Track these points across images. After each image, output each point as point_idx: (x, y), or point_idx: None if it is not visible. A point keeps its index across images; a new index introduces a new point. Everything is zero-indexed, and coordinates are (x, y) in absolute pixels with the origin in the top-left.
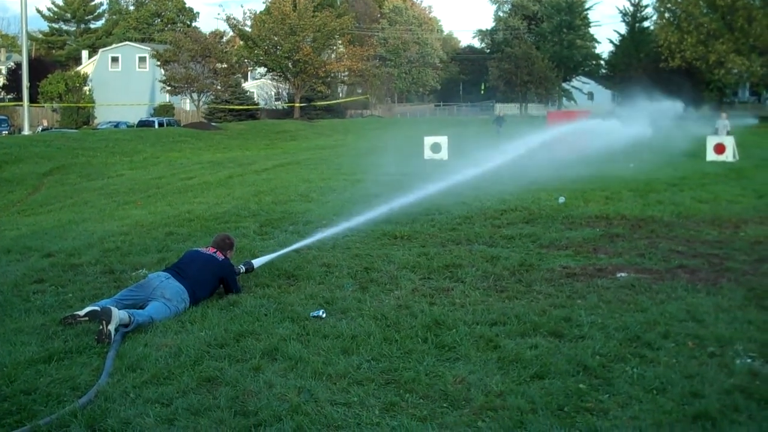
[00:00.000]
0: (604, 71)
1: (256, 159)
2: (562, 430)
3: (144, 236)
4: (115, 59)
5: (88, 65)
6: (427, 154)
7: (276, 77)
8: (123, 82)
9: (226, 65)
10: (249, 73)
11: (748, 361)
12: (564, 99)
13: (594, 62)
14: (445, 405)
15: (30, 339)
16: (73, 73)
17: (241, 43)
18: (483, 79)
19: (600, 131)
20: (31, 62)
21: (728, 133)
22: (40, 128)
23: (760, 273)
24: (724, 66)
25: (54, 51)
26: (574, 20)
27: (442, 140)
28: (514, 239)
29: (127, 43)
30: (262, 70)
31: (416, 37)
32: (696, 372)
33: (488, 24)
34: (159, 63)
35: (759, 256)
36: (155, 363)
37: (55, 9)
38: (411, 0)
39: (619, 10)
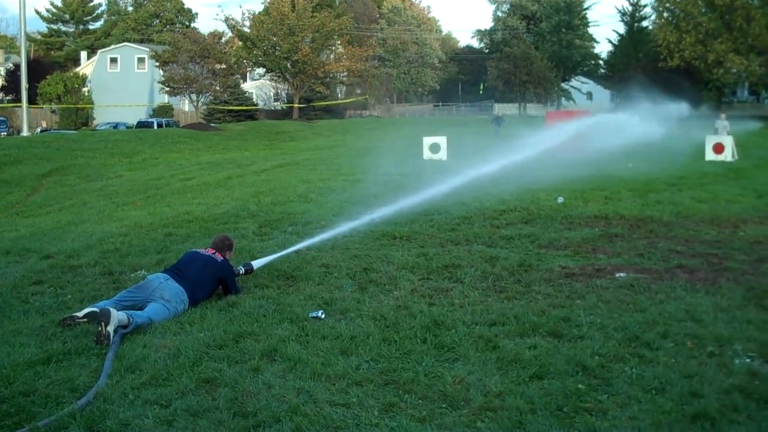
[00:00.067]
0: (602, 71)
1: (255, 160)
2: (561, 431)
3: (143, 237)
4: (113, 60)
5: (86, 66)
6: (426, 154)
7: (275, 78)
8: (122, 83)
9: (224, 66)
10: (248, 73)
11: (747, 360)
12: (563, 99)
13: (593, 62)
14: (444, 405)
15: (29, 340)
16: (71, 74)
17: (240, 43)
18: (482, 79)
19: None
20: (30, 63)
21: (728, 134)
22: (38, 129)
23: (759, 273)
24: (723, 65)
25: (53, 52)
26: (573, 20)
27: (441, 140)
28: (513, 239)
29: (125, 44)
30: (260, 70)
31: (415, 38)
32: (695, 372)
33: (487, 24)
34: (158, 64)
35: (758, 256)
36: (154, 364)
37: (54, 10)
38: (410, 0)
39: (617, 9)
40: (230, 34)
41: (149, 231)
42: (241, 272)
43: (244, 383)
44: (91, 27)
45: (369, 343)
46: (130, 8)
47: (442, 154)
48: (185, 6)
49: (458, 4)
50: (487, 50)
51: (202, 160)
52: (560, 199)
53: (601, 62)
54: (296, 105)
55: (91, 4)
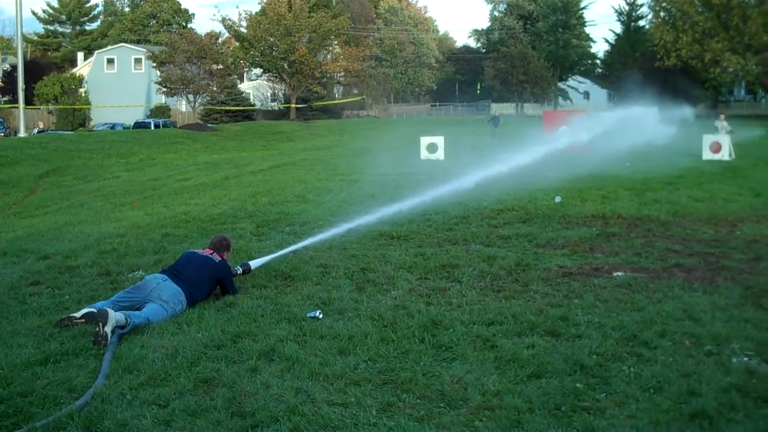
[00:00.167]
0: (599, 70)
1: (253, 160)
2: (560, 430)
3: (140, 238)
4: (110, 61)
5: (83, 67)
6: (424, 154)
7: (272, 78)
8: (119, 84)
9: (221, 66)
10: (245, 74)
11: (745, 359)
12: (560, 98)
13: (590, 61)
14: (442, 405)
15: (26, 341)
16: (68, 74)
17: (237, 44)
18: (479, 78)
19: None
20: (27, 64)
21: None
22: (35, 130)
23: (756, 271)
24: (720, 65)
25: (49, 53)
26: (570, 20)
27: (439, 140)
28: (510, 239)
29: (122, 44)
30: (257, 71)
31: (412, 38)
32: (693, 371)
33: (484, 24)
34: (155, 64)
35: (755, 255)
36: (152, 364)
37: (50, 11)
38: (406, 0)
39: (614, 9)
40: (227, 34)
41: (147, 231)
42: (238, 272)
43: (242, 383)
44: (87, 28)
45: (367, 343)
46: (127, 9)
47: (440, 154)
48: (182, 7)
49: (455, 4)
50: (484, 50)
51: (199, 161)
52: (558, 199)
53: (598, 62)
54: (293, 105)
55: (88, 5)
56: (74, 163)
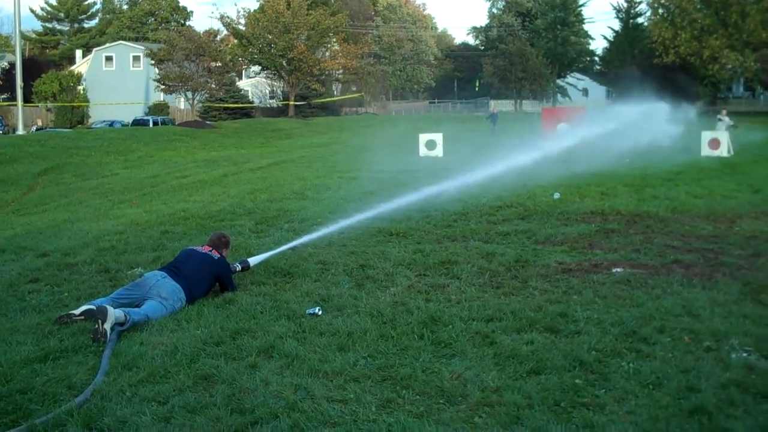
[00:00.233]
0: (598, 67)
1: (251, 157)
2: (559, 426)
3: (139, 235)
4: (109, 58)
5: (82, 65)
6: (422, 151)
7: (270, 75)
8: (117, 82)
9: (220, 64)
10: (243, 71)
11: (744, 355)
12: (558, 95)
13: (588, 58)
14: (441, 401)
15: (26, 338)
16: (67, 72)
17: (235, 41)
18: (477, 76)
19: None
20: (25, 62)
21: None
22: (34, 128)
23: (755, 267)
24: (718, 61)
25: (48, 50)
26: (568, 17)
27: (437, 137)
28: (509, 235)
29: (120, 42)
30: (256, 68)
31: (410, 35)
32: (692, 366)
33: (482, 21)
34: (153, 62)
35: (754, 251)
36: (151, 361)
37: (49, 8)
38: None
39: (613, 6)
40: (225, 32)
41: (145, 229)
42: (237, 269)
43: (241, 380)
44: (86, 25)
45: (366, 340)
46: (125, 6)
47: (438, 151)
48: (180, 4)
49: (453, 2)
50: (483, 47)
51: (197, 158)
52: (556, 195)
53: (596, 59)
54: (292, 102)
55: (86, 2)
56: (73, 160)
